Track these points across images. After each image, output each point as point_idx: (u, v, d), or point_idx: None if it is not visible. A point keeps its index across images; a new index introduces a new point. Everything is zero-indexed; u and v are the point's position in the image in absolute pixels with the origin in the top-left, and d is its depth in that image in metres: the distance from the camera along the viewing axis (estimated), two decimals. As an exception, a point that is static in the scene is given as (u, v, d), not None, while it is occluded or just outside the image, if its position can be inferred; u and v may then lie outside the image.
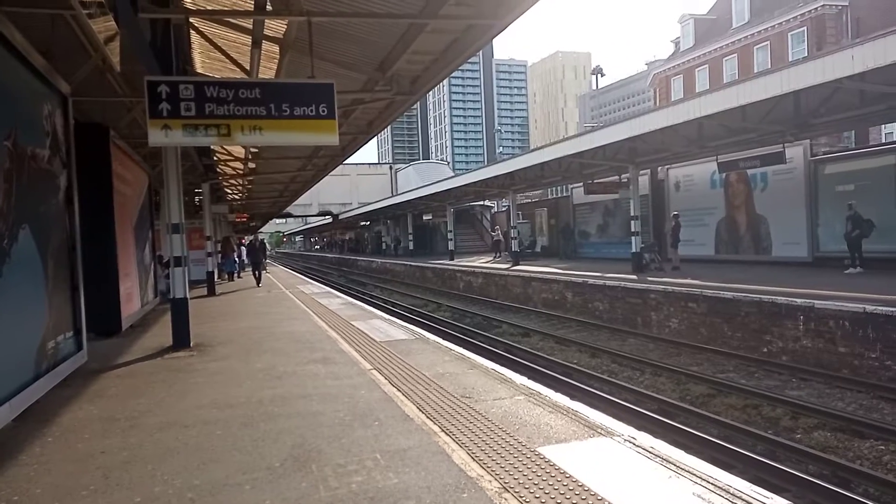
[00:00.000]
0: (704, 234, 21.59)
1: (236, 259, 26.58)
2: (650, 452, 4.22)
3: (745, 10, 37.25)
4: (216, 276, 21.00)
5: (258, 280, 23.00)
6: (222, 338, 10.18)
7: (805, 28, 32.98)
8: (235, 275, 25.87)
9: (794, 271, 16.31)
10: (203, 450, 4.63)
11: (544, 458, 4.17)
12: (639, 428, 5.22)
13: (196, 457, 4.48)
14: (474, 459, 4.17)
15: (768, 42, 35.09)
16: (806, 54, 29.78)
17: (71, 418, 5.67)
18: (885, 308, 9.66)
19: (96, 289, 8.39)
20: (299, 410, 5.58)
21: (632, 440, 4.49)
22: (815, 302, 10.81)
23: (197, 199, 23.19)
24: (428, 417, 5.18)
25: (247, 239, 44.86)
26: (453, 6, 7.72)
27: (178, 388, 6.74)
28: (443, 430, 4.82)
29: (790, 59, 30.08)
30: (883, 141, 26.68)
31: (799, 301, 11.09)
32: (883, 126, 27.33)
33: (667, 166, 22.89)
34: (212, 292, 18.75)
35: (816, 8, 32.21)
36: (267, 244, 61.25)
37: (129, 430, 5.22)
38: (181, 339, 9.30)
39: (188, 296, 9.52)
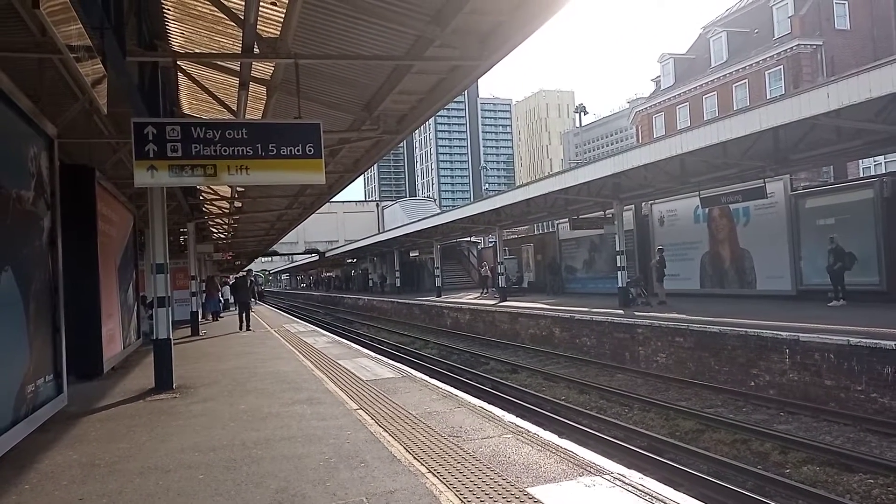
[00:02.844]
0: (689, 268, 21.75)
1: (220, 299, 26.21)
2: (640, 490, 4.18)
3: (723, 49, 38.21)
4: (200, 317, 20.77)
5: (246, 323, 19.42)
6: (206, 379, 10.04)
7: (781, 67, 33.84)
8: (219, 314, 25.58)
9: (779, 304, 16.43)
10: (184, 495, 4.53)
11: (534, 497, 4.12)
12: (628, 465, 5.17)
13: (177, 503, 4.38)
14: (463, 501, 4.10)
15: (746, 80, 35.93)
16: (783, 92, 30.52)
17: (49, 464, 5.53)
18: (868, 340, 9.73)
19: (78, 331, 8.29)
20: (284, 453, 5.49)
21: (621, 478, 4.45)
22: (801, 335, 10.87)
23: (182, 238, 23.07)
24: (415, 458, 5.11)
25: (232, 277, 43.19)
26: (438, 48, 7.87)
27: (160, 431, 6.62)
28: (430, 471, 4.75)
29: (768, 97, 30.79)
30: (861, 175, 27.19)
31: (784, 334, 11.15)
32: (860, 161, 27.86)
33: (650, 201, 23.16)
34: (196, 332, 18.52)
35: (792, 47, 33.11)
36: (258, 279, 59.04)
37: (108, 475, 5.10)
38: (164, 380, 9.15)
39: (171, 337, 9.41)
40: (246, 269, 53.31)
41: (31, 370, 6.06)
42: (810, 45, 32.99)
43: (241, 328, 19.20)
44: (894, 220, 15.01)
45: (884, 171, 25.97)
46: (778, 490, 6.86)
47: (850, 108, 10.44)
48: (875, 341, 9.62)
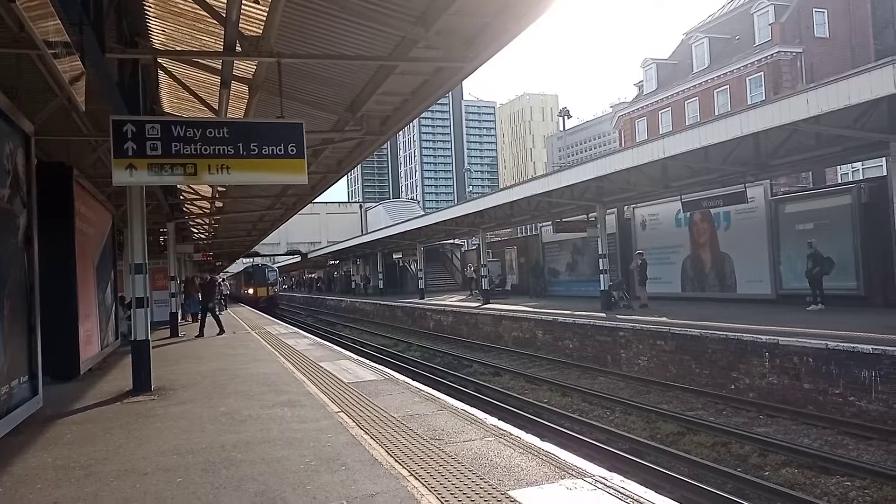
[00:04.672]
0: (671, 272, 21.90)
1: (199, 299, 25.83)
2: (621, 493, 4.19)
3: (705, 55, 38.59)
4: (180, 318, 20.52)
5: (201, 329, 18.12)
6: (185, 380, 9.92)
7: (762, 73, 34.25)
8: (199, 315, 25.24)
9: (759, 308, 16.58)
10: (161, 499, 4.46)
11: (516, 501, 4.11)
12: (610, 468, 5.18)
13: (154, 507, 4.32)
14: (444, 504, 4.08)
15: (728, 86, 36.31)
16: (764, 98, 30.86)
17: (23, 467, 5.42)
18: (846, 344, 9.84)
19: (54, 331, 8.15)
20: (263, 456, 5.43)
21: (603, 481, 4.45)
22: (780, 339, 10.97)
23: (162, 238, 22.79)
24: (397, 461, 5.08)
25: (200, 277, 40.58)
26: (423, 49, 7.85)
27: (138, 433, 6.52)
28: (412, 474, 4.72)
29: (749, 103, 31.11)
30: (839, 181, 27.57)
31: (764, 338, 11.25)
32: (839, 167, 28.26)
33: (633, 205, 23.29)
34: (175, 334, 18.31)
35: (772, 54, 33.52)
36: (267, 275, 46.75)
37: (84, 478, 5.01)
38: (142, 382, 9.03)
39: (150, 338, 9.28)
40: (222, 272, 49.95)
41: (5, 371, 5.94)
42: (790, 52, 33.42)
43: (199, 332, 18.11)
44: (872, 225, 15.21)
45: (862, 178, 26.34)
46: (757, 492, 6.91)
47: (829, 114, 10.59)
48: (853, 345, 9.73)
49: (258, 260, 50.04)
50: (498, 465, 4.87)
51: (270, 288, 46.39)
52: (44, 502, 4.52)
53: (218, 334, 17.99)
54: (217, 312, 19.79)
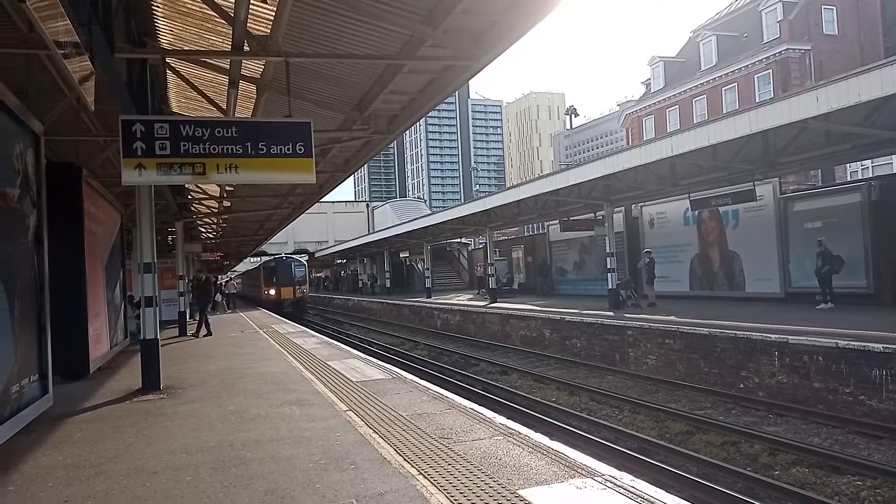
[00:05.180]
0: (679, 270, 21.80)
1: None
2: (631, 492, 4.17)
3: (712, 52, 38.42)
4: (188, 316, 20.60)
5: (207, 329, 17.96)
6: (194, 379, 9.95)
7: (770, 70, 34.07)
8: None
9: (768, 307, 16.49)
10: (172, 497, 4.48)
11: (525, 500, 4.10)
12: (619, 467, 5.16)
13: (164, 505, 4.33)
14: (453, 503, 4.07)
15: (736, 84, 36.14)
16: (772, 96, 30.70)
17: (34, 465, 5.45)
18: (856, 343, 9.77)
19: (64, 330, 8.16)
20: (272, 454, 5.43)
21: (612, 480, 4.43)
22: (790, 338, 10.90)
23: (170, 238, 22.89)
24: (406, 460, 5.07)
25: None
26: (430, 48, 7.84)
27: (147, 432, 6.55)
28: (421, 473, 4.71)
29: (757, 101, 30.93)
30: (848, 179, 27.39)
31: (773, 337, 11.19)
32: (847, 165, 28.07)
33: (641, 204, 23.20)
34: (183, 332, 18.37)
35: (780, 52, 33.33)
36: (294, 270, 38.16)
37: (94, 477, 5.03)
38: (151, 381, 9.07)
39: (159, 337, 9.32)
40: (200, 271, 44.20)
41: (15, 370, 5.96)
42: (799, 49, 33.23)
43: (201, 332, 17.89)
44: (882, 223, 15.11)
45: (871, 175, 26.16)
46: (767, 492, 6.88)
47: (838, 112, 10.50)
48: (863, 344, 9.66)
49: (265, 258, 44.40)
50: (507, 464, 4.86)
51: (298, 288, 37.24)
52: (54, 501, 4.54)
53: (195, 335, 17.65)
54: (207, 314, 19.18)
